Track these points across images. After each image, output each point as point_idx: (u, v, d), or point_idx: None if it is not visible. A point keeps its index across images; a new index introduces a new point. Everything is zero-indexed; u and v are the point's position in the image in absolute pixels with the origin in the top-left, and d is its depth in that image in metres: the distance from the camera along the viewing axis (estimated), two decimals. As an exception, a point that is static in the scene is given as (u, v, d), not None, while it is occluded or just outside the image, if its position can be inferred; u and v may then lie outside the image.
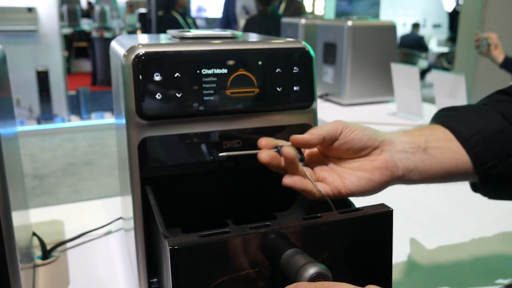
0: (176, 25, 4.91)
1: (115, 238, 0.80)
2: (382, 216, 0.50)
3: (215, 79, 0.57)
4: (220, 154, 0.58)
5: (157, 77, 0.54)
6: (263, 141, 0.53)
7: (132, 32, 6.43)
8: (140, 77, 0.54)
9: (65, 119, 4.40)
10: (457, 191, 1.02)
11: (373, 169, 0.52)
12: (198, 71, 0.56)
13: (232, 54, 0.58)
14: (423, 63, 6.52)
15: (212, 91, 0.57)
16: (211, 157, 0.59)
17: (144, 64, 0.54)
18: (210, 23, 10.45)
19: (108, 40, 6.25)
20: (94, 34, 6.38)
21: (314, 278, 0.42)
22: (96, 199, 0.97)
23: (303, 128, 0.62)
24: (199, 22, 10.10)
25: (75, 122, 4.40)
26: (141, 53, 0.54)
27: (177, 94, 0.55)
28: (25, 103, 4.15)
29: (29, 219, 0.76)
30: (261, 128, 0.60)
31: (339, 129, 0.52)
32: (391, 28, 1.89)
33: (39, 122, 4.26)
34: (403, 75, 1.68)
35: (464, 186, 1.03)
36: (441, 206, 0.94)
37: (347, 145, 0.52)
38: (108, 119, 4.51)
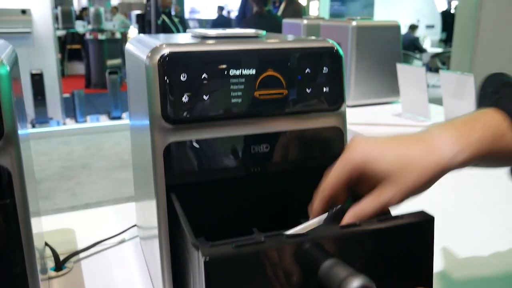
0: (163, 26, 4.99)
1: (129, 246, 0.77)
2: (423, 225, 0.48)
3: (243, 80, 0.54)
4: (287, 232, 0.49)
5: (183, 79, 0.52)
6: (314, 208, 0.51)
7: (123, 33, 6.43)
8: (166, 78, 0.51)
9: (60, 122, 4.34)
10: (475, 195, 1.00)
11: None
12: (225, 72, 0.53)
13: (260, 54, 0.55)
14: (417, 64, 6.53)
15: (240, 93, 0.54)
16: (238, 162, 0.56)
17: (170, 65, 0.51)
18: (204, 24, 10.43)
19: (102, 42, 6.19)
20: (88, 36, 6.32)
21: None
22: (105, 205, 0.94)
23: (332, 131, 0.60)
24: (192, 24, 10.11)
25: (71, 125, 4.34)
26: (166, 54, 0.51)
27: (204, 96, 0.52)
28: (19, 106, 4.08)
29: (42, 227, 0.72)
30: (290, 132, 0.57)
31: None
32: (395, 28, 1.88)
33: (33, 126, 4.19)
34: (409, 75, 1.66)
35: (481, 191, 1.01)
36: (461, 211, 0.92)
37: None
38: (104, 122, 4.46)
